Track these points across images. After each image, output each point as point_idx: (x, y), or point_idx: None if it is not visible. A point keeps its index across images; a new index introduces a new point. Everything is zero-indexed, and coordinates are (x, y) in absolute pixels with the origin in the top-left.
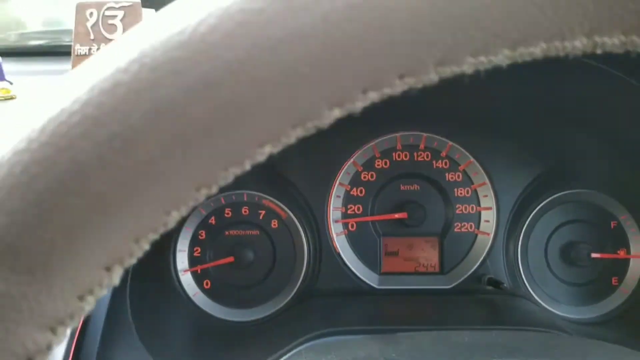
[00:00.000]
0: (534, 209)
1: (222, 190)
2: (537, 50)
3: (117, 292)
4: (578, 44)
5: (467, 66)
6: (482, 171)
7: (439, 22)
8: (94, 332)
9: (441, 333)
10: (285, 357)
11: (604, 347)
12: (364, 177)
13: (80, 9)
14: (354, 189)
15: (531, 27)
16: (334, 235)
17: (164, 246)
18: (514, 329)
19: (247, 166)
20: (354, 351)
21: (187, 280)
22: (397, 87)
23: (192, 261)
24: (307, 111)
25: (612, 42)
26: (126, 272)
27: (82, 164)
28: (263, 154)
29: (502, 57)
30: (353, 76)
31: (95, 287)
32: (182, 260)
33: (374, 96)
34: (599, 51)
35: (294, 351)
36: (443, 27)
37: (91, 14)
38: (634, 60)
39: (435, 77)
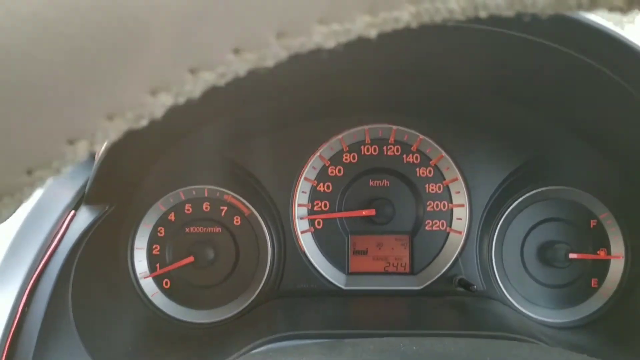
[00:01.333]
0: (509, 207)
1: (181, 185)
2: (405, 14)
3: (58, 289)
4: (454, 5)
5: (320, 37)
6: (454, 166)
7: None
8: (31, 331)
9: (388, 340)
10: None
11: (567, 356)
12: (331, 172)
13: None
14: (321, 184)
15: None
16: (299, 233)
17: (120, 243)
18: (476, 335)
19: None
20: (293, 358)
21: (145, 280)
22: (234, 65)
23: (151, 259)
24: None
25: (496, 1)
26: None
27: None
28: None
29: (363, 25)
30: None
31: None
32: (139, 258)
33: (207, 76)
34: (482, 13)
35: (233, 356)
36: None
37: None
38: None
39: (282, 51)
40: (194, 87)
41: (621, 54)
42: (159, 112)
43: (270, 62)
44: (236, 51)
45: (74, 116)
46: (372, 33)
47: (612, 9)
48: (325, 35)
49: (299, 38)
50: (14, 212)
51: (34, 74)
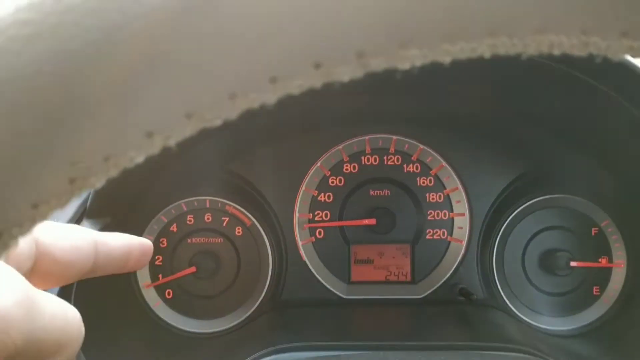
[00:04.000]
0: (510, 215)
1: (183, 196)
2: (482, 47)
3: (61, 297)
4: (530, 41)
5: (400, 61)
6: (455, 176)
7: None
8: None
9: (383, 355)
10: None
11: None
12: (332, 182)
13: None
14: (322, 194)
15: (473, 17)
16: (300, 243)
17: None
18: (473, 347)
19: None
20: None
21: (148, 290)
22: (313, 79)
23: (154, 270)
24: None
25: (570, 42)
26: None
27: None
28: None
29: (441, 52)
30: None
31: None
32: (142, 269)
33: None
34: (555, 51)
35: None
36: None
37: None
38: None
39: (361, 71)
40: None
41: (624, 76)
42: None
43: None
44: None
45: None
46: (447, 59)
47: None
48: (405, 59)
49: (379, 60)
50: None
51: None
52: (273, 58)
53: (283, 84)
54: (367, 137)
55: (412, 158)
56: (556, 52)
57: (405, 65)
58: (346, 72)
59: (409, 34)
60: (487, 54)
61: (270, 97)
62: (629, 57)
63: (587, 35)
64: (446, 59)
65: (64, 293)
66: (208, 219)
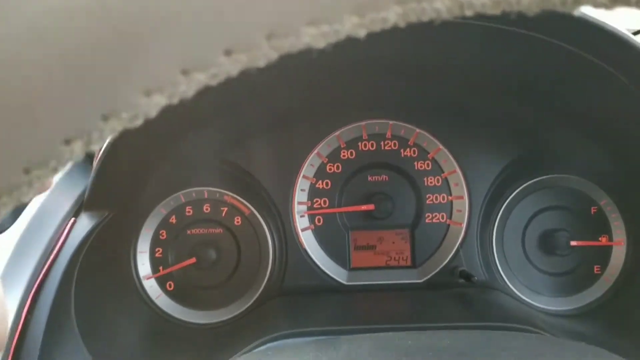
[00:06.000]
0: (509, 197)
1: (181, 187)
2: (392, 15)
3: (60, 295)
4: (440, 5)
5: (309, 38)
6: (452, 158)
7: None
8: (35, 337)
9: (384, 336)
10: None
11: (568, 347)
12: (330, 169)
13: None
14: (319, 181)
15: None
16: (300, 231)
17: (122, 247)
18: (476, 326)
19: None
20: (288, 357)
21: (149, 282)
22: (226, 66)
23: (154, 262)
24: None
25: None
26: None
27: None
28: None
29: (351, 26)
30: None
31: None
32: (142, 261)
33: (199, 77)
34: (468, 12)
35: (234, 357)
36: None
37: None
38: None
39: (272, 52)
40: (187, 88)
41: (621, 50)
42: (153, 112)
43: (261, 63)
44: (227, 52)
45: (70, 118)
46: (361, 33)
47: (596, 5)
48: (314, 36)
49: (288, 39)
50: (10, 210)
51: (30, 78)
52: (183, 50)
53: (196, 75)
54: (363, 123)
55: (409, 142)
56: (468, 13)
57: (319, 44)
58: (259, 57)
59: (317, 11)
60: (400, 23)
61: (185, 90)
62: (629, 33)
63: None
64: (360, 33)
65: (64, 287)
66: (207, 209)
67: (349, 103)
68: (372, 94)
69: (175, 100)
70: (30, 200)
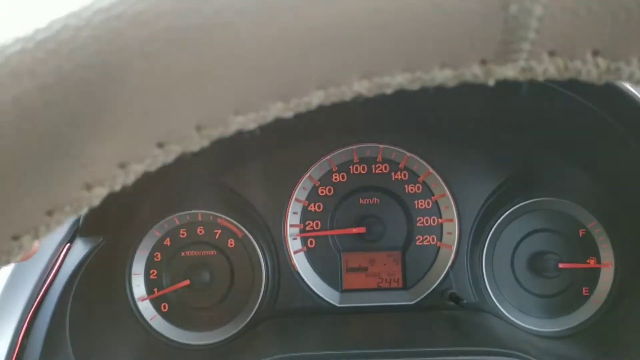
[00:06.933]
0: (498, 219)
1: (175, 210)
2: (314, 99)
3: (56, 320)
4: (358, 87)
5: (238, 125)
6: (442, 182)
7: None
8: (32, 359)
9: None
10: None
11: None
12: (322, 192)
13: None
14: (312, 204)
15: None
16: (292, 253)
17: (117, 270)
18: (464, 352)
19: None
20: None
21: (144, 304)
22: (160, 157)
23: (149, 284)
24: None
25: (471, 72)
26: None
27: None
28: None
29: (277, 111)
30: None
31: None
32: (137, 283)
33: (136, 168)
34: (387, 91)
35: None
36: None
37: None
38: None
39: (203, 141)
40: (126, 179)
41: (615, 99)
42: (95, 202)
43: (194, 149)
44: (160, 145)
45: (15, 216)
46: (288, 114)
47: (508, 78)
48: (242, 123)
49: (218, 129)
50: None
51: None
52: (119, 146)
53: (133, 167)
54: (354, 147)
55: (400, 166)
56: (388, 92)
57: (249, 128)
58: (191, 146)
59: (242, 101)
60: (325, 103)
61: (124, 179)
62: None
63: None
64: (287, 115)
65: (60, 311)
66: (201, 232)
67: (341, 127)
68: (363, 119)
69: (116, 189)
70: None
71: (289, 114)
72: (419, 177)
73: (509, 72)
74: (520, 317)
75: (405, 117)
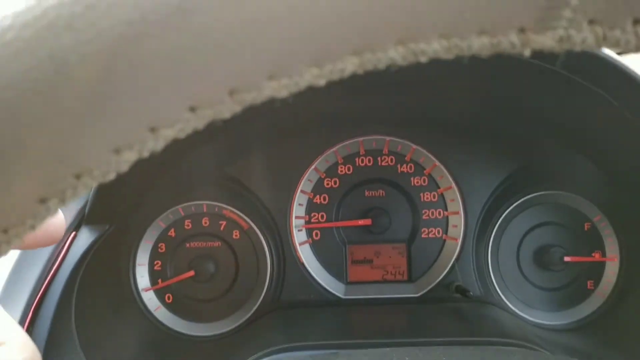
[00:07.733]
0: (504, 212)
1: (180, 201)
2: (349, 65)
3: (61, 308)
4: (394, 54)
5: (271, 90)
6: (448, 174)
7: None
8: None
9: (381, 351)
10: None
11: None
12: (327, 184)
13: None
14: (317, 196)
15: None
16: (298, 245)
17: (122, 260)
18: (471, 342)
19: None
20: None
21: (148, 294)
22: (192, 122)
23: (153, 275)
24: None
25: (509, 40)
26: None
27: None
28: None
29: (311, 77)
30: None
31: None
32: (141, 274)
33: (166, 133)
34: (422, 59)
35: None
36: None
37: None
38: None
39: (235, 106)
40: (156, 144)
41: (615, 77)
42: (124, 168)
43: (226, 116)
44: (192, 109)
45: (43, 178)
46: (321, 83)
47: (545, 48)
48: (275, 89)
49: (250, 94)
50: None
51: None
52: (150, 109)
53: (163, 132)
54: (360, 139)
55: (406, 158)
56: (423, 59)
57: (281, 95)
58: (223, 111)
59: (277, 65)
60: (359, 71)
61: (154, 145)
62: (619, 57)
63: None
64: (320, 83)
65: (65, 300)
66: (205, 223)
67: (347, 119)
68: (369, 110)
69: (145, 155)
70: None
71: (321, 82)
72: (425, 169)
73: (547, 41)
74: (525, 309)
75: (411, 109)
